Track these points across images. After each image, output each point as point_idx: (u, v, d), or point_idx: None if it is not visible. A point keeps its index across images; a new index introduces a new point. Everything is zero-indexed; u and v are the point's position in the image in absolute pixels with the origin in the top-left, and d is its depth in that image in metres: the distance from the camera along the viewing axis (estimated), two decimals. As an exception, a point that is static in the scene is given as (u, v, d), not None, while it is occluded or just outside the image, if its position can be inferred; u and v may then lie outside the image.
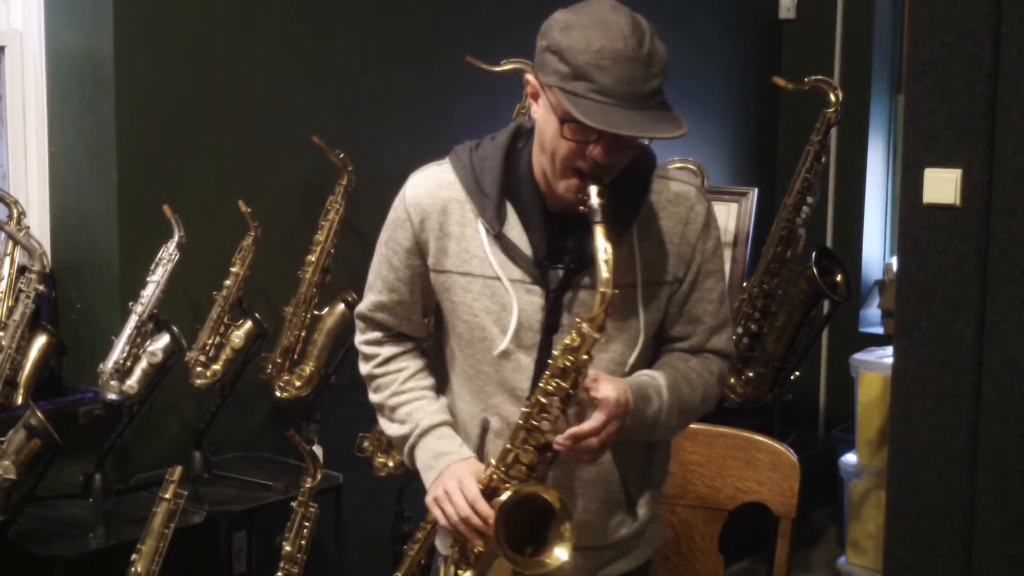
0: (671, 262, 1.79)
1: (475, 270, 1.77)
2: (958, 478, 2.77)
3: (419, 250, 1.82)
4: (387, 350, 1.92)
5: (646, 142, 1.72)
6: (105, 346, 2.76)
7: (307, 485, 2.65)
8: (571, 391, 1.68)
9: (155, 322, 2.75)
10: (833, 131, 3.63)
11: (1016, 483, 2.71)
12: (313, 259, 3.06)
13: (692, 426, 2.20)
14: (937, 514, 2.81)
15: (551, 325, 1.74)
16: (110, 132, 2.91)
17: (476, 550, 1.76)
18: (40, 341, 2.79)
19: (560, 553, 1.69)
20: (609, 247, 1.61)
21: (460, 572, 1.80)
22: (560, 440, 1.68)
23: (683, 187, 1.82)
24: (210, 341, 2.91)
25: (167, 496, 2.47)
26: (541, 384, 1.69)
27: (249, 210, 2.94)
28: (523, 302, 1.75)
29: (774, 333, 3.60)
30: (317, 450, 2.74)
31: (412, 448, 1.86)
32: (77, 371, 2.98)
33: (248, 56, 3.16)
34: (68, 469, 2.79)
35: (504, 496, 1.68)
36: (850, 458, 4.06)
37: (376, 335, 1.93)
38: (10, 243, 2.80)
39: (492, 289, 1.76)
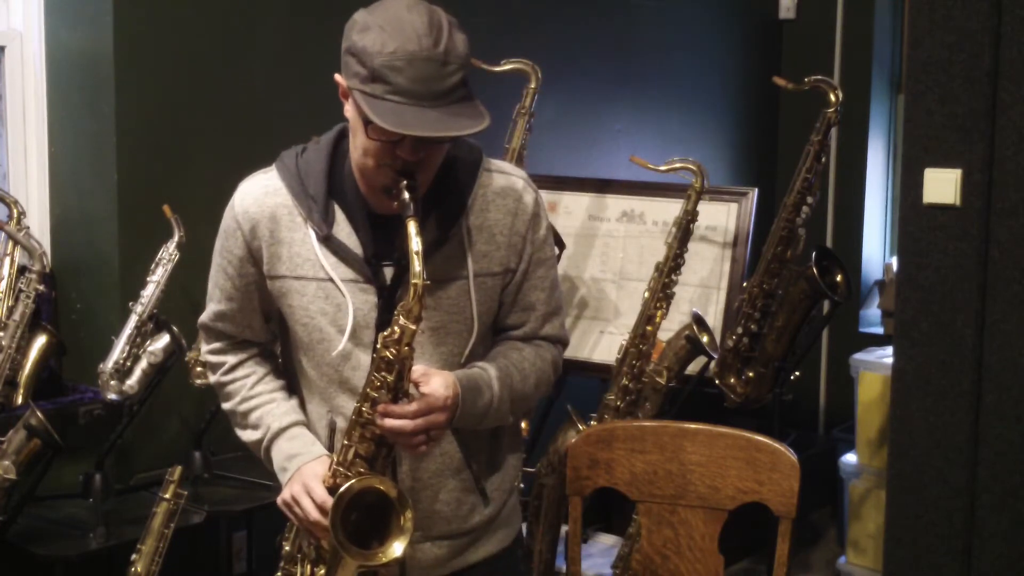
0: (502, 253, 1.83)
1: (308, 273, 1.79)
2: (958, 478, 2.77)
3: (252, 258, 1.83)
4: (232, 358, 1.93)
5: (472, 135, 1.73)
6: (105, 346, 2.76)
7: (307, 485, 2.64)
8: (398, 383, 1.70)
9: (155, 322, 2.75)
10: (833, 131, 3.62)
11: (1016, 483, 2.71)
12: (313, 259, 3.06)
13: (692, 426, 2.21)
14: (937, 514, 2.81)
15: (385, 322, 1.75)
16: (110, 132, 2.91)
17: (326, 546, 1.78)
18: (40, 341, 2.80)
19: (397, 546, 1.70)
20: (420, 240, 1.63)
21: (316, 570, 1.83)
22: (378, 415, 1.70)
23: (510, 179, 1.85)
24: (210, 341, 2.91)
25: (167, 496, 2.46)
26: (369, 378, 1.72)
27: (249, 210, 2.94)
28: (357, 301, 1.77)
29: (774, 333, 3.59)
30: (317, 450, 2.74)
31: (267, 451, 1.89)
32: (77, 371, 2.98)
33: (248, 56, 3.16)
34: (68, 469, 2.79)
35: (339, 490, 1.70)
36: (850, 458, 4.06)
37: (219, 344, 1.95)
38: (10, 243, 2.80)
39: (326, 291, 1.78)
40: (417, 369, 1.71)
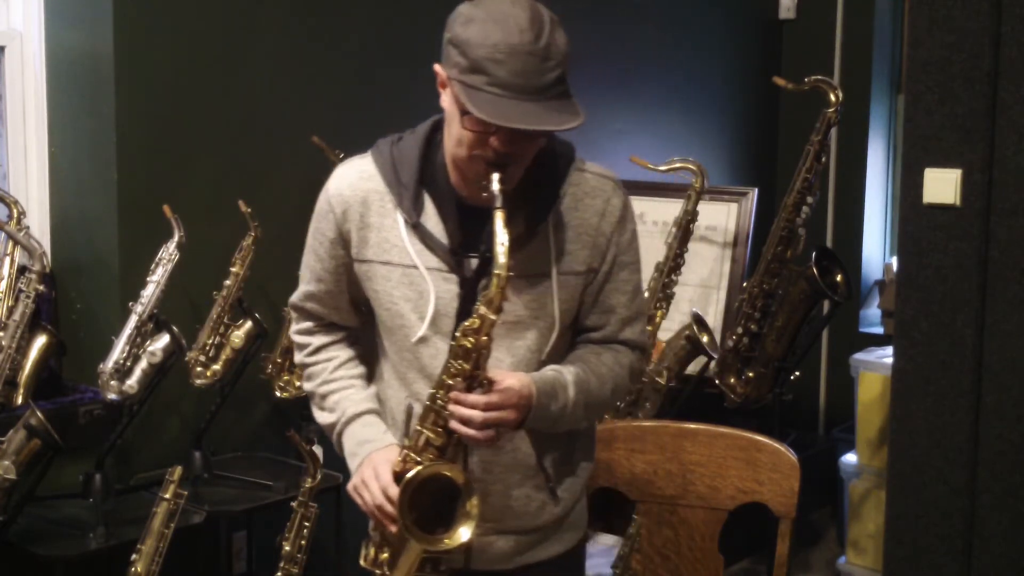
0: (586, 253, 1.84)
1: (394, 259, 1.82)
2: (958, 478, 2.77)
3: (342, 240, 1.86)
4: (317, 339, 1.97)
5: (562, 132, 1.74)
6: (105, 346, 2.76)
7: (307, 485, 2.64)
8: (474, 372, 1.71)
9: (155, 322, 2.75)
10: (833, 131, 3.63)
11: (1016, 483, 2.71)
12: (313, 259, 3.06)
13: (692, 426, 2.21)
14: (937, 514, 2.81)
15: (466, 312, 1.76)
16: (110, 132, 2.91)
17: (392, 531, 1.78)
18: (40, 341, 2.79)
19: (463, 531, 1.71)
20: (506, 232, 1.65)
21: (381, 554, 1.84)
22: (451, 402, 1.71)
23: (600, 180, 1.87)
24: (210, 341, 2.91)
25: (167, 496, 2.46)
26: (446, 365, 1.73)
27: (249, 210, 2.94)
28: (440, 290, 1.80)
29: (774, 333, 3.59)
30: (317, 450, 2.74)
31: (339, 435, 1.92)
32: (77, 371, 2.98)
33: (248, 56, 3.16)
34: (68, 469, 2.79)
35: (408, 475, 1.71)
36: (850, 458, 4.06)
37: (307, 325, 1.98)
38: (10, 243, 2.80)
39: (410, 277, 1.81)
40: (495, 374, 1.73)
